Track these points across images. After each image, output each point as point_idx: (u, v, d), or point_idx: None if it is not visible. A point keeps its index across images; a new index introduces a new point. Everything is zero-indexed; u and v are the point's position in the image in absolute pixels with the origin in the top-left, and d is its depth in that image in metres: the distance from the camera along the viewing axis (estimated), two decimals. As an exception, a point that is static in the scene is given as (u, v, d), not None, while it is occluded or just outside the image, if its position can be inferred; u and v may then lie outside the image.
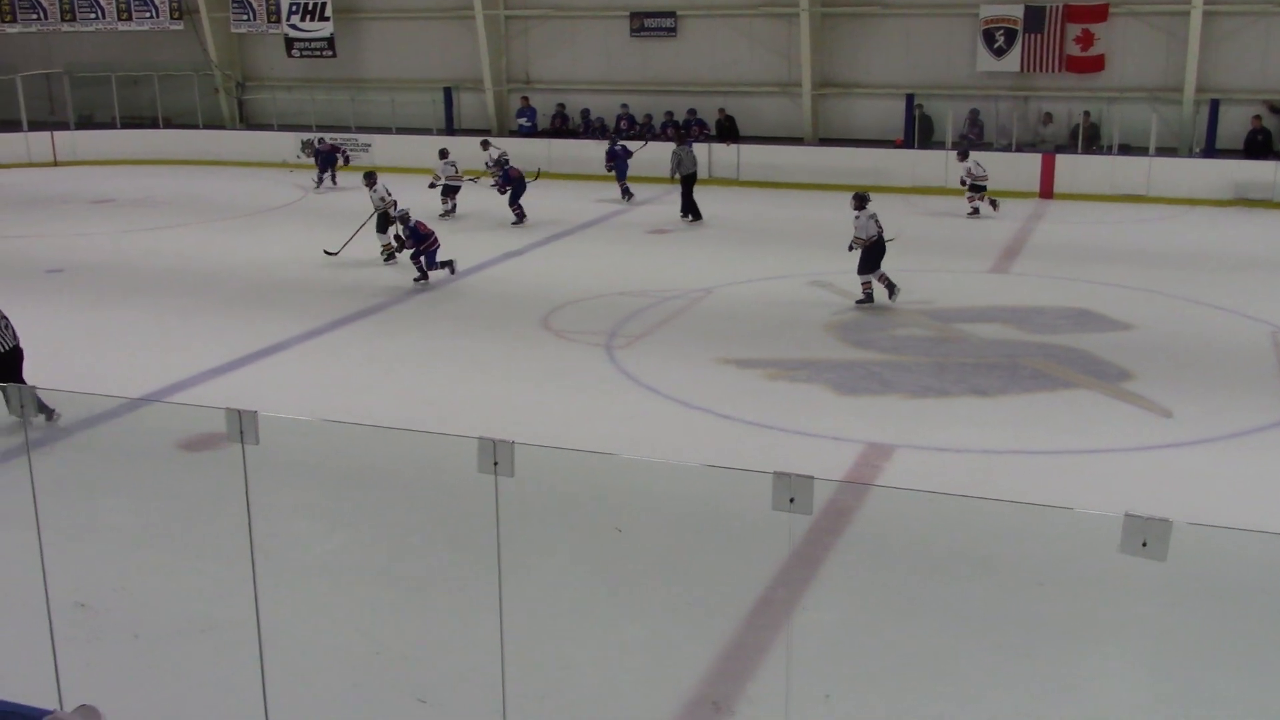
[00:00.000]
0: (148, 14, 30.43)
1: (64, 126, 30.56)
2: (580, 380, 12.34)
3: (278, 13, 29.60)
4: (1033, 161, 23.95)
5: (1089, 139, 24.65)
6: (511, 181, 21.25)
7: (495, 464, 4.84)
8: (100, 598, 7.36)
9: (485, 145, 24.03)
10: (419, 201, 19.71)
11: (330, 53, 29.62)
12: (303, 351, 13.57)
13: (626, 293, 15.88)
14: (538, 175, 22.01)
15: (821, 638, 6.96)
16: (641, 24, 27.69)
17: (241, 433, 5.18)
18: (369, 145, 28.50)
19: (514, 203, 21.25)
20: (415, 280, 16.57)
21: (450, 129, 28.68)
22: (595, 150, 25.62)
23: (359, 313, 15.15)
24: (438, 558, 8.15)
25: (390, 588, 7.74)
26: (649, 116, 27.46)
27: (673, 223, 21.41)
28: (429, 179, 22.32)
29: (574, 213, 22.41)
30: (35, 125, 30.20)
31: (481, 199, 22.76)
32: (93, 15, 30.70)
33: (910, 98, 25.69)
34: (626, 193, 23.66)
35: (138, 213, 23.03)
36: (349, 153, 27.02)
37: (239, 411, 5.10)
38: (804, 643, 6.86)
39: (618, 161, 23.77)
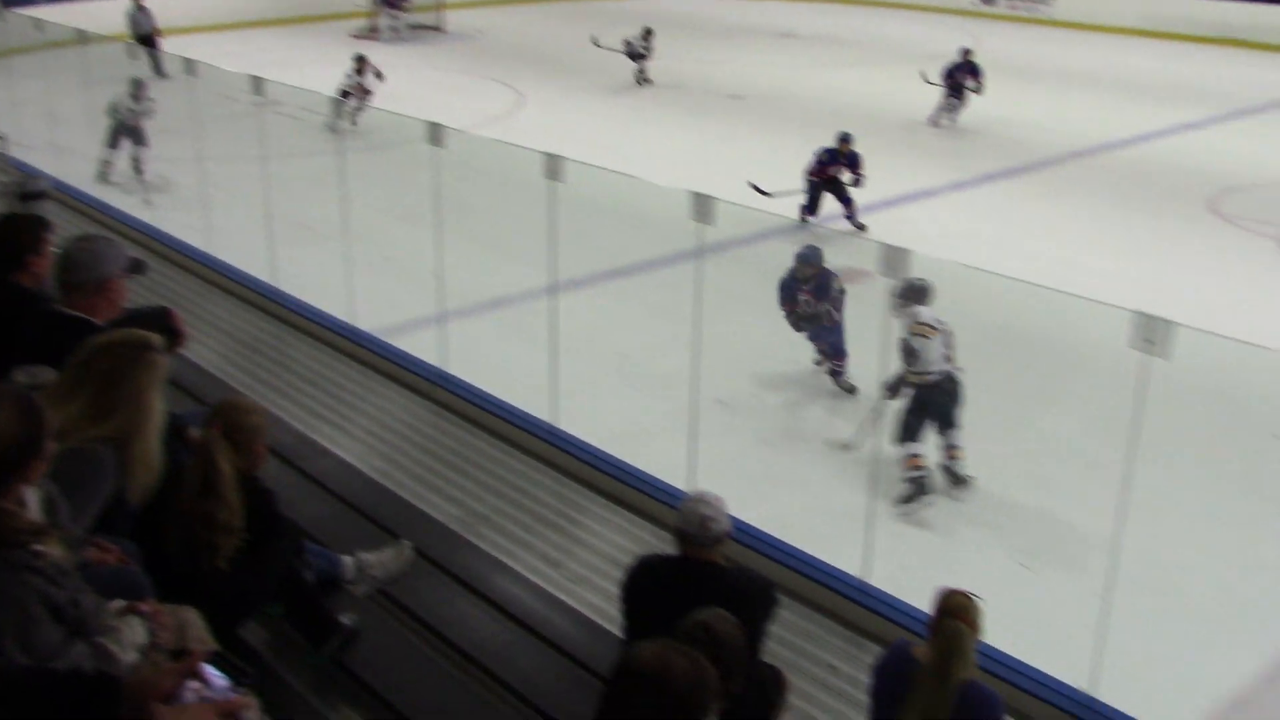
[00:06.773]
0: None
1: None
2: (1244, 272, 11.25)
3: None
4: None
5: None
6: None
7: (1146, 340, 4.56)
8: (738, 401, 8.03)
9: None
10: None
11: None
12: (950, 202, 13.58)
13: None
14: None
15: None
16: None
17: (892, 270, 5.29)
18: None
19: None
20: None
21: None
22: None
23: (1008, 170, 14.79)
24: (1067, 428, 7.98)
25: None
26: None
27: None
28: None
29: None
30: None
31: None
32: None
33: None
34: None
35: (818, 48, 23.85)
36: None
37: (891, 247, 5.17)
38: None
39: None
